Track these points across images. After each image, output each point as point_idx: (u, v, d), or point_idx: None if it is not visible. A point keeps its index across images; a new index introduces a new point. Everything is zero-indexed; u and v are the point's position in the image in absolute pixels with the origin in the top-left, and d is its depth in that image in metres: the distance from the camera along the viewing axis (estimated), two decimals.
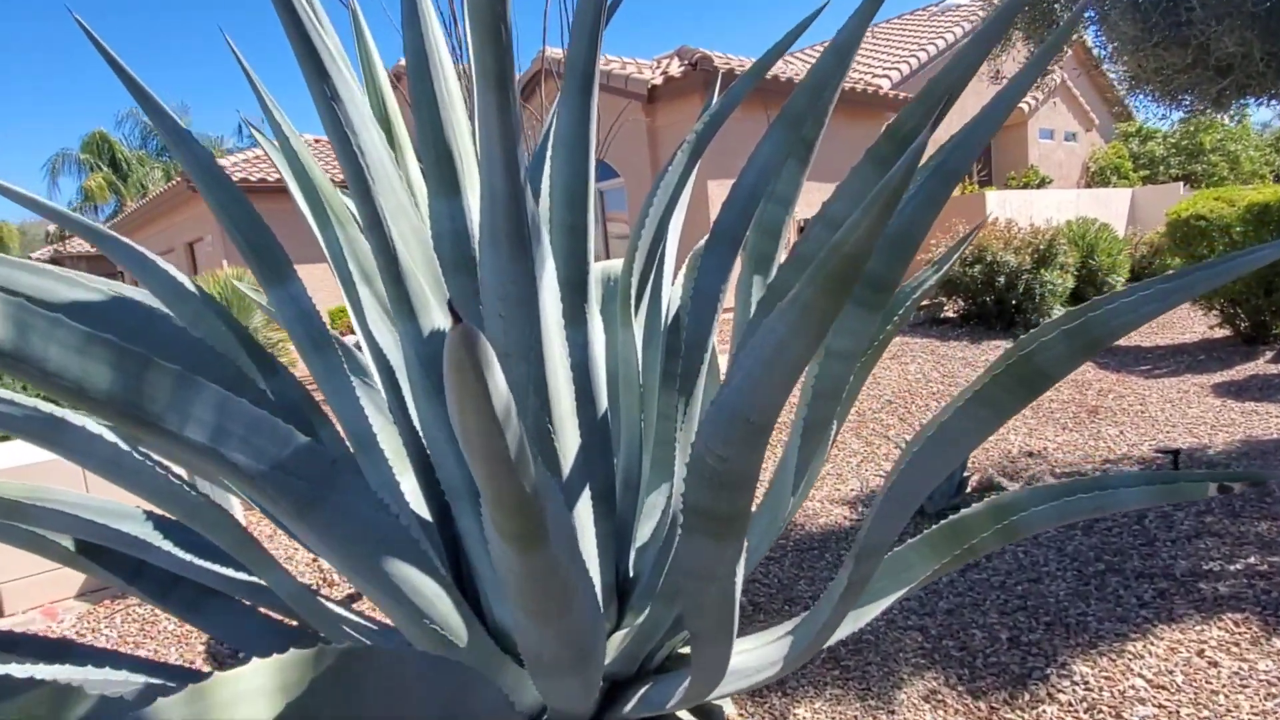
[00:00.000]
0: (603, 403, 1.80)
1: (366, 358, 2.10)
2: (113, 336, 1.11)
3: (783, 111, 1.73)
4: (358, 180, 1.39)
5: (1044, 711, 2.20)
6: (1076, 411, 5.74)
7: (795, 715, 2.29)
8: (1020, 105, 15.24)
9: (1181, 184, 14.89)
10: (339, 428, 1.87)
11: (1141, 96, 4.71)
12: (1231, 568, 2.95)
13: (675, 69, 10.57)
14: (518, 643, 1.24)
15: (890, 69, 13.25)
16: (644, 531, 2.09)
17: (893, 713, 2.27)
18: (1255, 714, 2.11)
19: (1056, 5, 4.46)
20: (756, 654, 1.75)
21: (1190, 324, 8.61)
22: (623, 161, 11.21)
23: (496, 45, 0.94)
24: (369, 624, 1.91)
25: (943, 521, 1.78)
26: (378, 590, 1.24)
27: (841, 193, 1.49)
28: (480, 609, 1.81)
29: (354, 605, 2.92)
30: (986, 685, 2.35)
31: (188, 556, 1.78)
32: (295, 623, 2.01)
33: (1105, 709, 2.18)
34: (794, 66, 12.81)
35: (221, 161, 13.48)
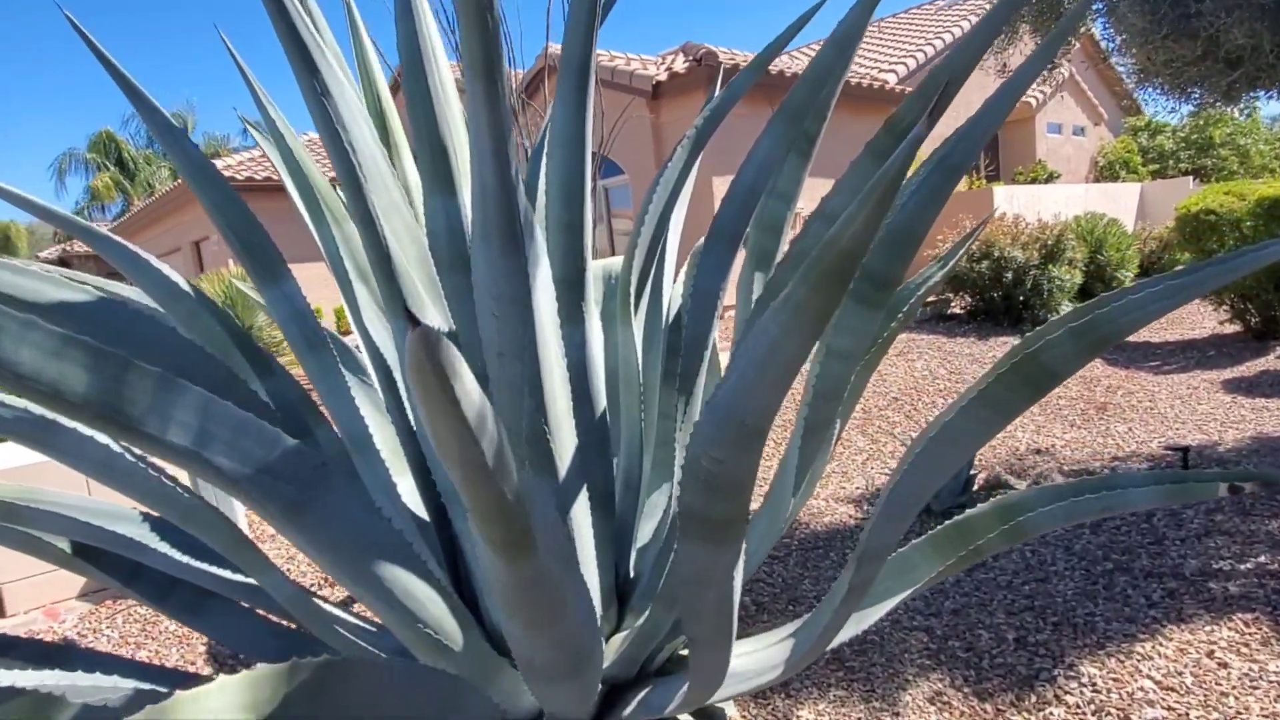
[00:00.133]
0: (601, 402, 1.78)
1: (365, 357, 2.09)
2: (94, 338, 1.09)
3: (782, 106, 1.70)
4: (349, 177, 1.36)
5: (1051, 713, 2.17)
6: (1085, 408, 5.69)
7: (798, 717, 2.26)
8: (1028, 100, 15.14)
9: (1191, 178, 14.76)
10: (336, 428, 1.85)
11: (1150, 90, 4.65)
12: (1242, 567, 2.90)
13: (680, 65, 10.52)
14: (511, 649, 1.21)
15: (897, 64, 13.17)
16: (645, 531, 2.06)
17: (897, 715, 2.24)
18: (1266, 716, 2.08)
19: None
20: (758, 656, 1.73)
21: (1200, 319, 8.53)
22: (628, 158, 11.17)
23: (483, 33, 0.91)
24: (368, 626, 1.90)
25: (947, 522, 1.75)
26: (369, 594, 1.22)
27: (840, 188, 1.46)
28: (479, 611, 1.79)
29: (354, 607, 2.91)
30: (993, 687, 2.32)
31: (185, 558, 1.77)
32: (295, 625, 1.99)
33: (1113, 711, 2.15)
34: (800, 62, 12.73)
35: (227, 160, 13.52)
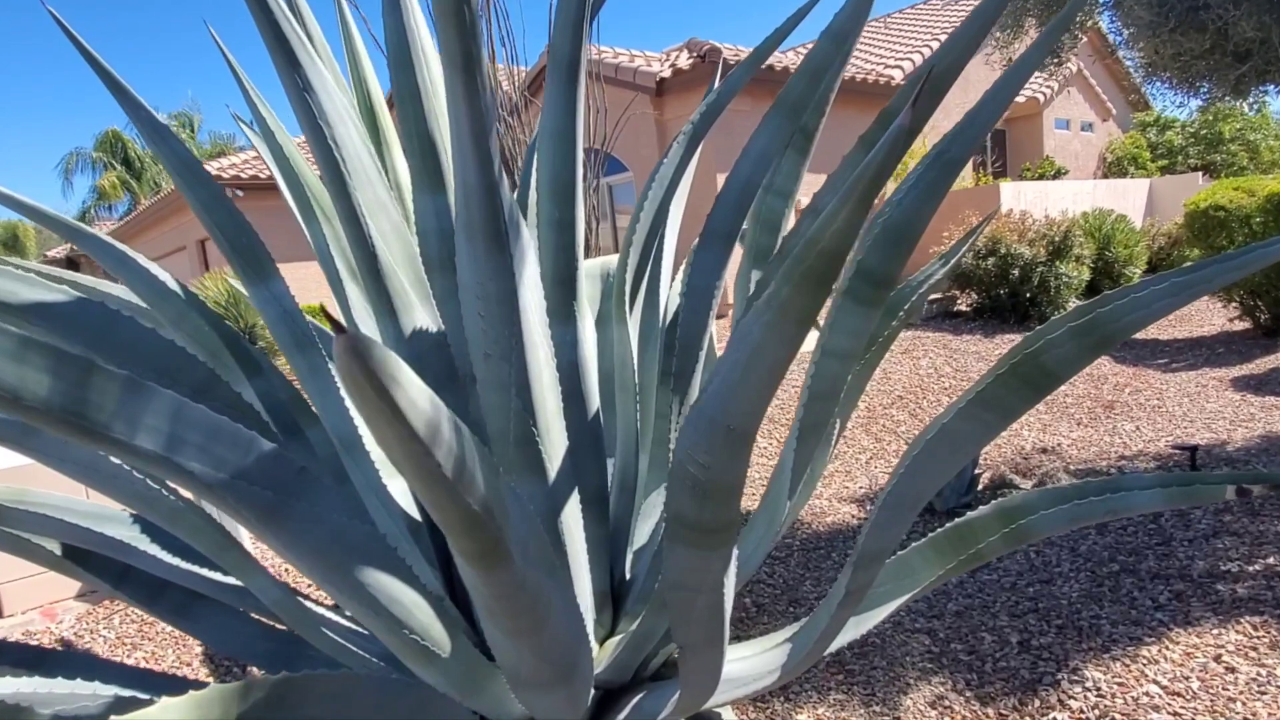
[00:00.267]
0: (594, 403, 1.74)
1: None
2: (71, 339, 1.06)
3: (778, 100, 1.66)
4: (333, 174, 1.34)
5: (1055, 719, 2.13)
6: (1092, 406, 5.64)
7: None
8: (1035, 95, 15.03)
9: (1200, 174, 14.63)
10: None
11: (1158, 83, 4.59)
12: (1250, 568, 2.86)
13: (684, 61, 10.47)
14: (495, 657, 1.19)
15: (903, 59, 13.08)
16: (642, 533, 2.03)
17: None
18: None
19: None
20: (753, 661, 1.70)
21: (1209, 316, 8.45)
22: (632, 155, 11.13)
23: (459, 24, 0.88)
24: (358, 629, 1.87)
25: (948, 525, 1.72)
26: (352, 600, 1.19)
27: (832, 182, 1.42)
28: (473, 616, 1.77)
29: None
30: (995, 691, 2.28)
31: (173, 560, 1.75)
32: (287, 627, 1.97)
33: (1118, 716, 2.11)
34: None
35: (232, 159, 13.53)
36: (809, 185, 1.92)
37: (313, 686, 0.82)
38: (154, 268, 1.73)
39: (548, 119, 1.46)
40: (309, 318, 2.51)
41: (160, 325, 1.71)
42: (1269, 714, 2.07)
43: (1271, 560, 2.90)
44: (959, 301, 9.21)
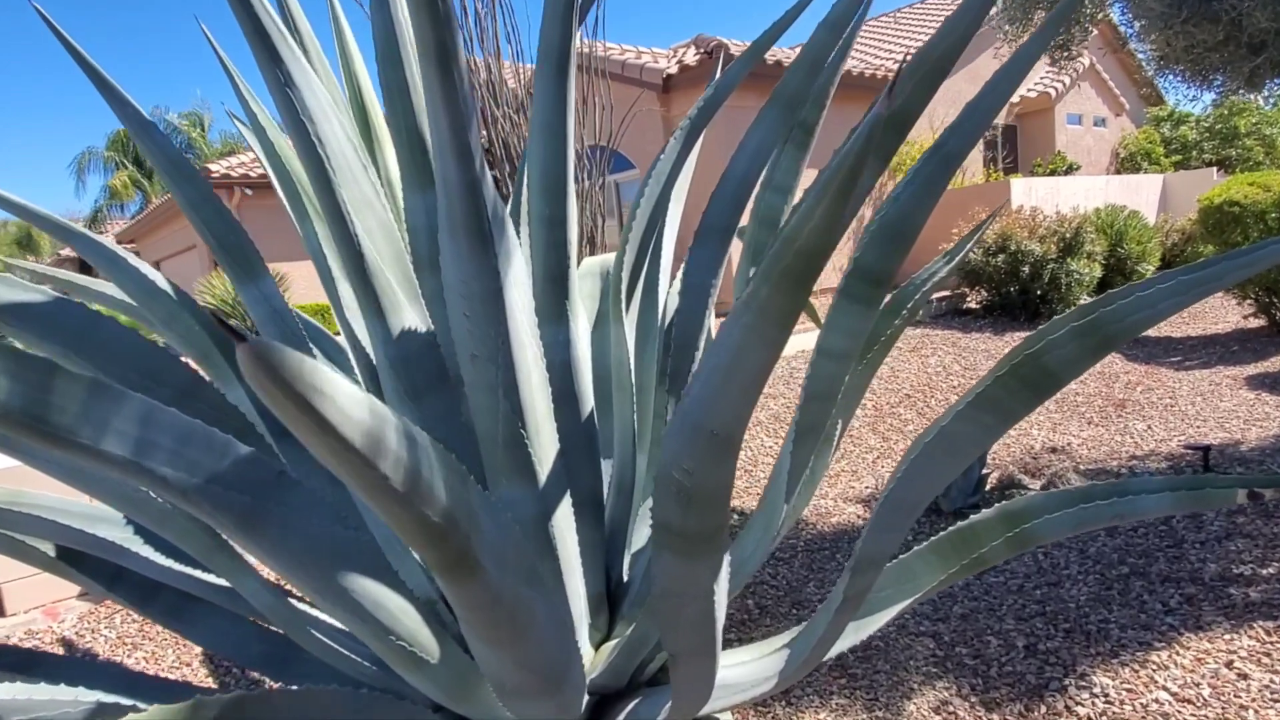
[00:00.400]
0: (588, 404, 1.71)
1: (351, 357, 2.04)
2: (50, 342, 1.04)
3: (774, 93, 1.63)
4: (318, 171, 1.31)
5: None
6: (1103, 405, 5.56)
7: None
8: (1047, 90, 14.87)
9: (1215, 169, 14.45)
10: None
11: (1171, 76, 4.51)
12: (1264, 571, 2.80)
13: (691, 58, 10.41)
14: (480, 666, 1.16)
15: (911, 54, 12.97)
16: (640, 535, 2.00)
17: None
18: None
19: None
20: (751, 667, 1.67)
21: (1223, 313, 8.33)
22: (638, 152, 11.08)
23: (433, 14, 0.85)
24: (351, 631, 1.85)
25: (950, 529, 1.68)
26: (336, 606, 1.17)
27: (820, 178, 1.38)
28: None
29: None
30: (1001, 696, 2.24)
31: (166, 562, 1.73)
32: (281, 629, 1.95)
33: None
34: None
35: (240, 157, 13.56)
36: (810, 181, 1.89)
37: (271, 702, 0.79)
38: (144, 267, 1.72)
39: (537, 113, 1.43)
40: (309, 317, 2.49)
41: (150, 325, 1.70)
42: None
43: None
44: (969, 299, 9.12)
